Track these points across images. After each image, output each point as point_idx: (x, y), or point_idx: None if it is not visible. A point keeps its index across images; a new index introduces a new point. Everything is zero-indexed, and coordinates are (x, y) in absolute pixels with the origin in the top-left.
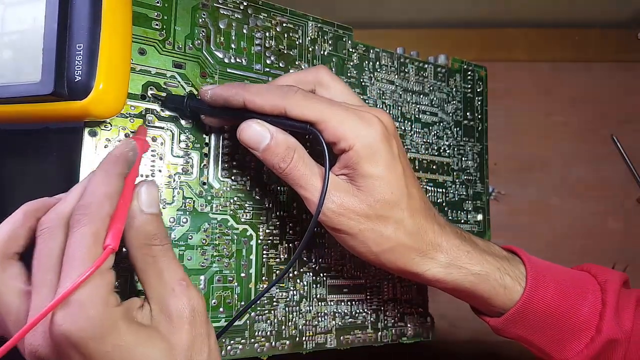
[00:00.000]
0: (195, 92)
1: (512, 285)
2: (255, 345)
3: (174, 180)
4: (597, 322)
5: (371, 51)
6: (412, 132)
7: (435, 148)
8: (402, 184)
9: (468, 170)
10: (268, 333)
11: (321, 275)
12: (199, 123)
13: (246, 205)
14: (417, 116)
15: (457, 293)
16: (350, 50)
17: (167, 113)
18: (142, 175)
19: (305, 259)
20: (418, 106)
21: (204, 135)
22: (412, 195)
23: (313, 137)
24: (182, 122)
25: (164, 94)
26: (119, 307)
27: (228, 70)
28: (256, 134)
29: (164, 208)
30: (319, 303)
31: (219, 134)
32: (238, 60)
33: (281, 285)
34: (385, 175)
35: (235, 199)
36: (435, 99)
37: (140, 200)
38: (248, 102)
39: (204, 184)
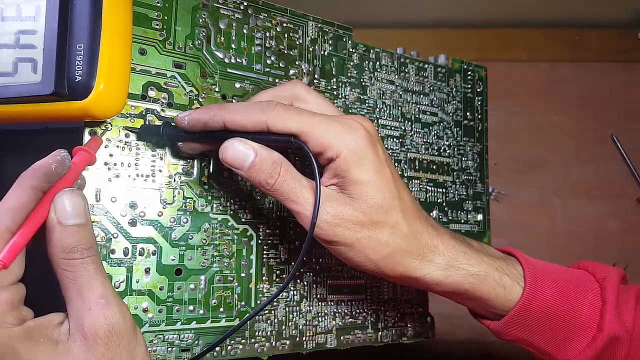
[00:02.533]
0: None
1: (511, 285)
2: (256, 345)
3: (174, 181)
4: (598, 320)
5: (371, 51)
6: (412, 132)
7: (435, 148)
8: (392, 187)
9: (468, 170)
10: (268, 333)
11: (321, 275)
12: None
13: (246, 205)
14: (417, 116)
15: (457, 296)
16: (350, 50)
17: (167, 114)
18: (141, 176)
19: (305, 259)
20: (418, 106)
21: None
22: (403, 197)
23: (298, 149)
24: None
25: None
26: (18, 327)
27: (228, 70)
28: (239, 152)
29: (164, 208)
30: (319, 303)
31: None
32: (238, 60)
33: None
34: (375, 179)
35: (236, 199)
36: (435, 99)
37: (57, 212)
38: (228, 122)
39: (205, 184)
